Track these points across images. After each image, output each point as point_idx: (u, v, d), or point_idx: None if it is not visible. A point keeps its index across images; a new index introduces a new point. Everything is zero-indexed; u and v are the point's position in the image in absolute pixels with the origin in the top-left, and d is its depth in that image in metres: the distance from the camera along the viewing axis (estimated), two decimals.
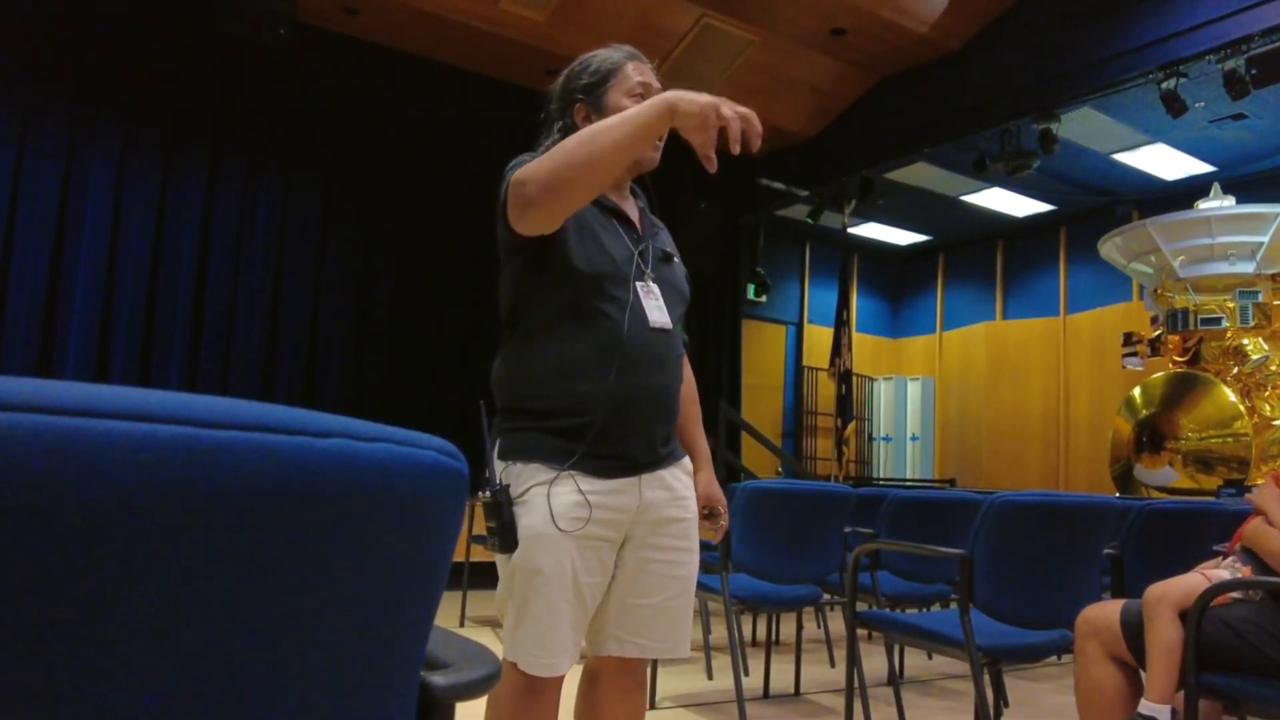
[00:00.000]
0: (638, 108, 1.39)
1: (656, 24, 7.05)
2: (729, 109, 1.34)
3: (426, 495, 0.56)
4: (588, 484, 1.47)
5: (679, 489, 1.60)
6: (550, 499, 1.44)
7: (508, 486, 1.46)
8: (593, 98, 1.60)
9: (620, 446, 1.50)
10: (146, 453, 0.44)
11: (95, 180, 6.40)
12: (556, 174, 1.36)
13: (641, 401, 1.50)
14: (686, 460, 1.66)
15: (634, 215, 1.64)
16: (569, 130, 1.58)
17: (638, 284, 1.53)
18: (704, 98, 1.34)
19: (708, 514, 1.72)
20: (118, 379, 6.30)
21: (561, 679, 1.51)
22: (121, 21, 6.44)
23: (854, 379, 9.52)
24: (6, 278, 6.03)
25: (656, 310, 1.54)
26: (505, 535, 1.43)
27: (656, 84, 1.61)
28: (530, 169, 1.41)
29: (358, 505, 0.52)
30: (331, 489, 0.51)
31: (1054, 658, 4.08)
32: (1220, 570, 2.04)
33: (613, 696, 1.61)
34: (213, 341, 6.80)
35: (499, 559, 1.48)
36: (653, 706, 3.20)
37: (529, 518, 1.44)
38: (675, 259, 1.66)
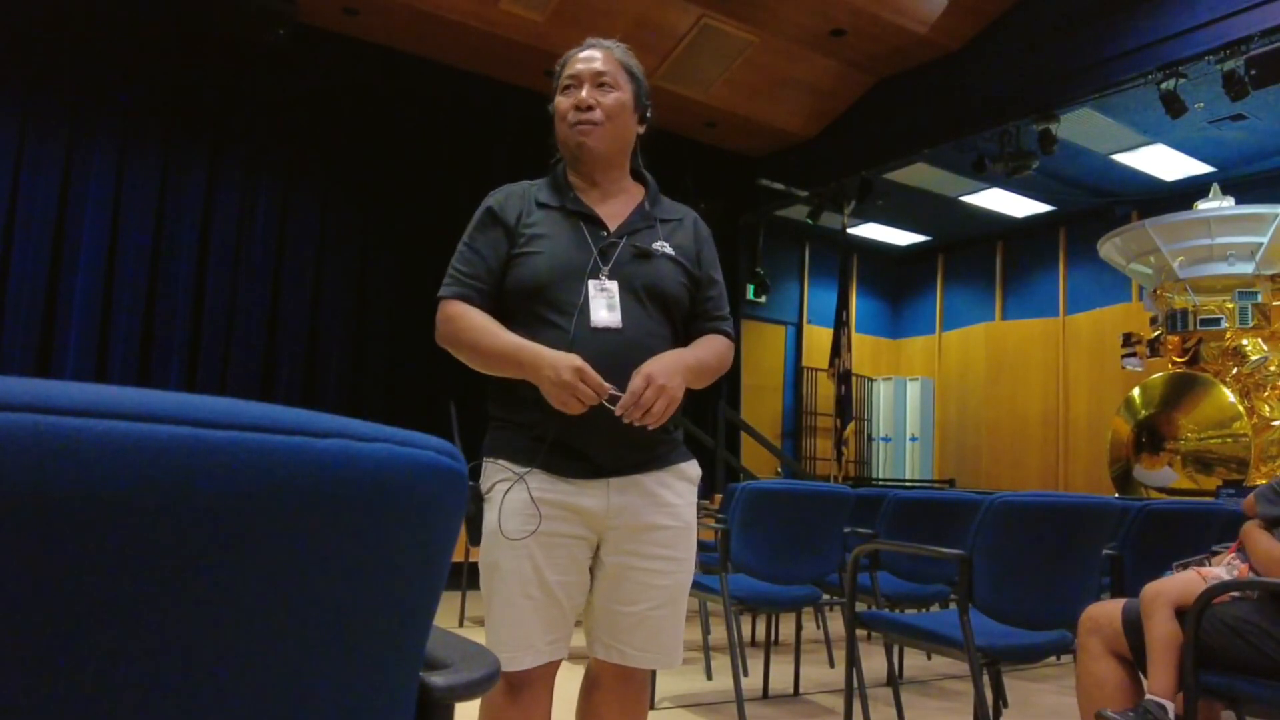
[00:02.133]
0: (504, 351, 1.47)
1: (656, 24, 7.05)
2: (562, 400, 1.40)
3: (425, 495, 0.56)
4: (546, 483, 1.47)
5: (665, 496, 1.54)
6: (504, 498, 1.47)
7: (478, 483, 1.50)
8: (553, 106, 1.62)
9: (580, 450, 1.48)
10: (146, 453, 0.44)
11: (95, 180, 6.39)
12: (448, 347, 1.54)
13: (593, 407, 1.45)
14: (686, 467, 1.60)
15: (615, 213, 1.60)
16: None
17: (591, 283, 1.51)
18: (547, 381, 1.40)
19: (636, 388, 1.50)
20: (117, 379, 6.29)
21: (549, 676, 1.51)
22: (121, 21, 6.43)
23: (853, 379, 9.53)
24: (6, 277, 6.03)
25: (605, 309, 1.49)
26: (471, 529, 1.45)
27: (593, 65, 1.57)
28: (442, 329, 1.54)
29: (357, 505, 0.53)
30: (330, 489, 0.51)
31: (1053, 658, 4.08)
32: (1218, 569, 2.04)
33: (610, 702, 1.58)
34: (212, 341, 6.79)
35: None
36: (652, 707, 3.20)
37: (491, 514, 1.47)
38: (660, 253, 1.58)
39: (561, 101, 1.58)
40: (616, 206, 1.61)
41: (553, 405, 1.40)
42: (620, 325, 1.49)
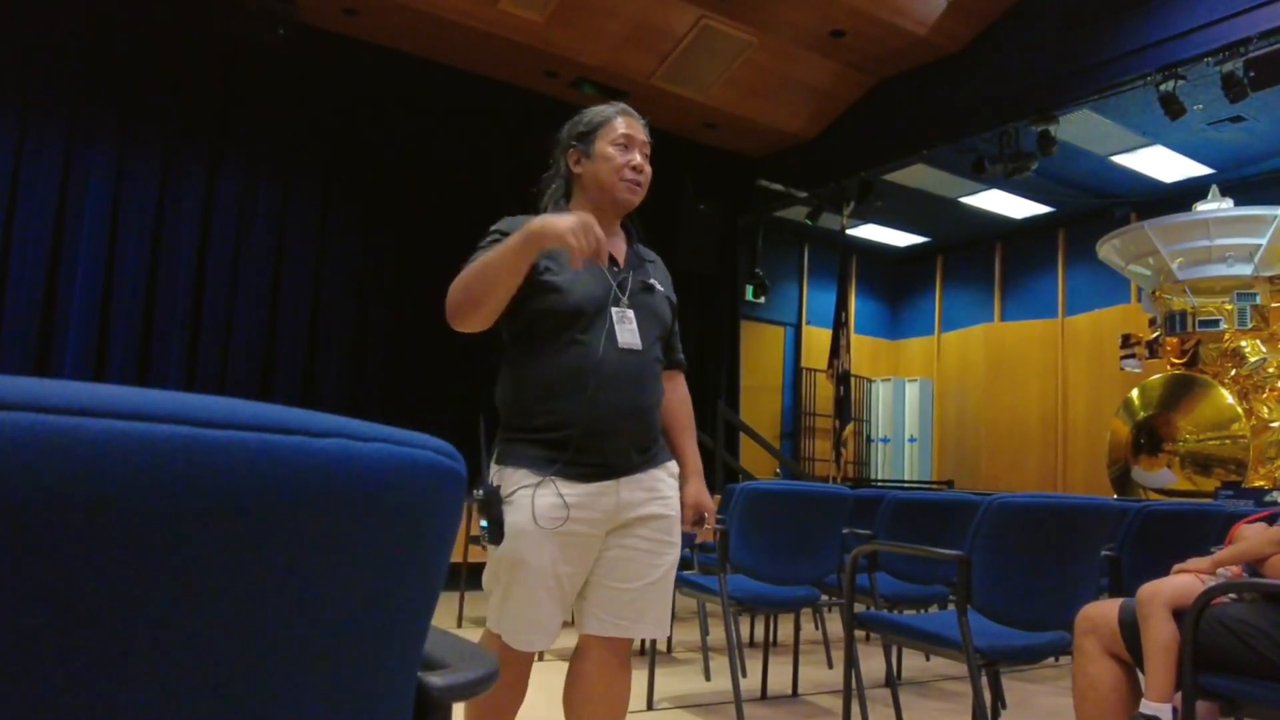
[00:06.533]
0: (510, 241, 1.59)
1: (656, 25, 7.05)
2: (579, 240, 1.51)
3: (424, 495, 0.56)
4: (567, 488, 1.67)
5: (660, 489, 1.78)
6: (534, 500, 1.65)
7: (499, 487, 1.66)
8: (584, 144, 1.82)
9: (598, 455, 1.69)
10: (145, 452, 0.44)
11: (95, 180, 6.39)
12: (458, 306, 1.64)
13: (615, 416, 1.70)
14: (672, 464, 1.84)
15: (618, 251, 1.84)
16: (565, 176, 1.84)
17: (614, 310, 1.75)
18: (564, 224, 1.52)
19: (696, 520, 1.89)
20: (116, 378, 6.29)
21: (534, 653, 1.75)
22: (121, 21, 6.43)
23: (852, 380, 9.52)
24: (5, 277, 6.02)
25: (628, 334, 1.74)
26: (494, 529, 1.62)
27: (641, 135, 1.81)
28: (450, 293, 1.65)
29: (355, 505, 0.53)
30: (329, 489, 0.51)
31: (1051, 659, 4.08)
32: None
33: (596, 674, 1.77)
34: (211, 341, 6.79)
35: (489, 548, 1.68)
36: (651, 707, 3.20)
37: (514, 515, 1.64)
38: (658, 289, 1.84)
39: (615, 155, 1.78)
40: (616, 245, 1.86)
41: (572, 243, 1.51)
42: (641, 346, 1.75)
